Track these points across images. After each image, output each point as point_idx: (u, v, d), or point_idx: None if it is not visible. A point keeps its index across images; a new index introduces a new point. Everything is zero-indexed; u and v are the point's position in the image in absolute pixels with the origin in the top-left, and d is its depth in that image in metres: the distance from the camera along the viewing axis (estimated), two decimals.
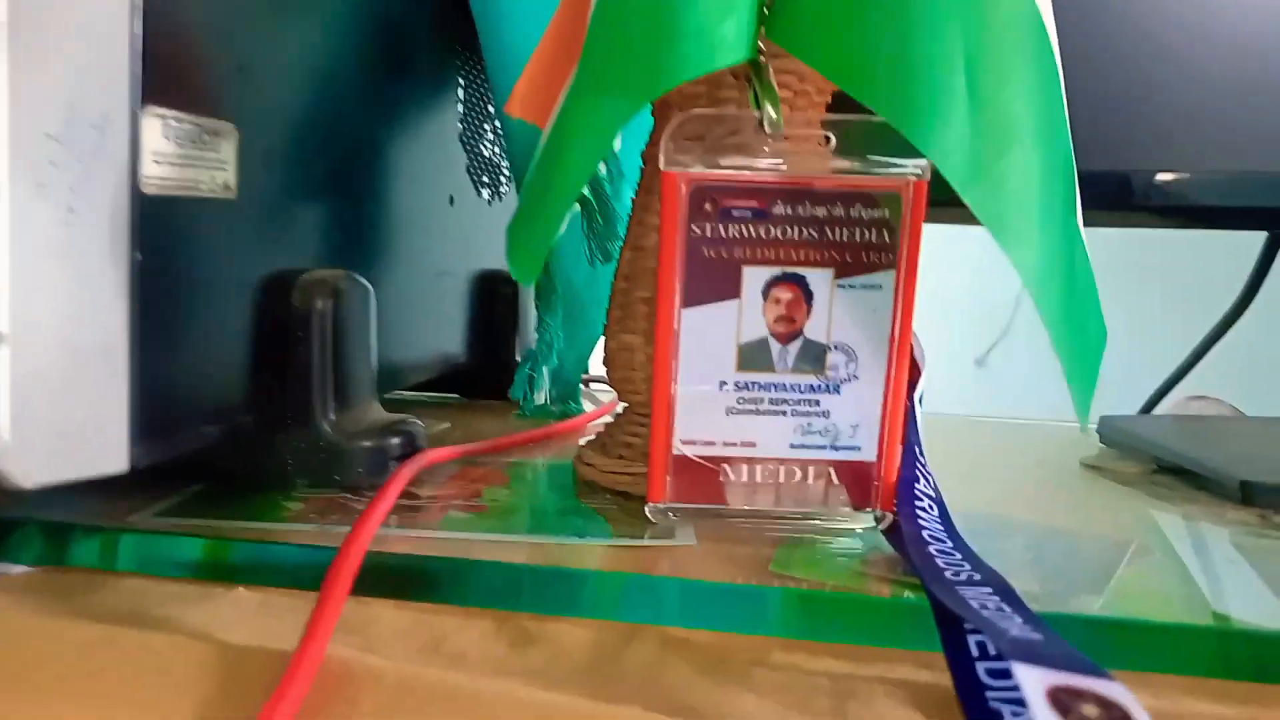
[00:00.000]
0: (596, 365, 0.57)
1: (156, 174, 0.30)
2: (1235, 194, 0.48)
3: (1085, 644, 0.26)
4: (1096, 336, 0.32)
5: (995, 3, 0.30)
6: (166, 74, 0.31)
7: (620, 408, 0.43)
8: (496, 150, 0.64)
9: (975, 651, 0.24)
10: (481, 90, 0.60)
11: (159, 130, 0.30)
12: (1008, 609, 0.26)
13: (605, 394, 0.65)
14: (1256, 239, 0.58)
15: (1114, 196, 0.49)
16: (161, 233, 0.31)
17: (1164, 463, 0.49)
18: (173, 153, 0.31)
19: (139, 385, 0.30)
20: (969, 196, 0.28)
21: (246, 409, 0.36)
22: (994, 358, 1.19)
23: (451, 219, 0.56)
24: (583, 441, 0.44)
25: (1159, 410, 0.64)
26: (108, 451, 0.29)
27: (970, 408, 0.67)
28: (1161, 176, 0.48)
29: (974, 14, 0.30)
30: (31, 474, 0.26)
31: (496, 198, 0.63)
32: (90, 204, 0.28)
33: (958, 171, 0.28)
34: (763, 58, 0.33)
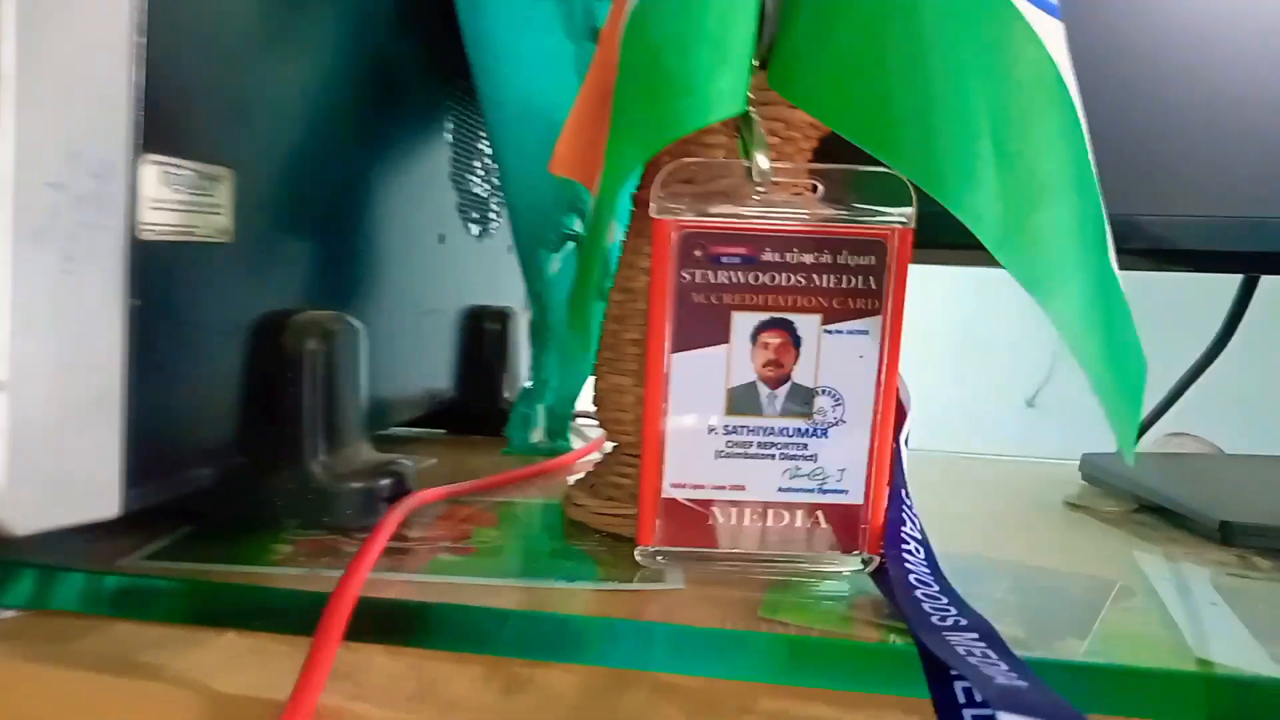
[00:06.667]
0: (584, 401, 0.57)
1: (154, 220, 0.31)
2: (1213, 238, 0.49)
3: (1071, 690, 0.27)
4: (1136, 372, 0.32)
5: (1014, 60, 0.30)
6: (165, 122, 0.31)
7: (609, 447, 0.43)
8: (485, 186, 0.64)
9: (962, 699, 0.25)
10: (471, 126, 0.61)
11: (157, 177, 0.31)
12: (993, 655, 0.26)
13: (592, 429, 0.65)
14: (1233, 279, 0.59)
15: None
16: (159, 278, 0.31)
17: (1145, 501, 0.50)
18: (171, 199, 0.31)
19: (133, 430, 0.30)
20: (1002, 255, 0.29)
21: (238, 451, 0.36)
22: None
23: (441, 257, 0.56)
24: (571, 480, 0.44)
25: (1139, 447, 0.65)
26: (100, 497, 0.29)
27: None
28: (1142, 220, 0.49)
29: (993, 71, 0.30)
30: (26, 521, 0.26)
31: (485, 234, 0.64)
32: (89, 252, 0.28)
33: (990, 232, 0.29)
34: (752, 109, 0.33)
